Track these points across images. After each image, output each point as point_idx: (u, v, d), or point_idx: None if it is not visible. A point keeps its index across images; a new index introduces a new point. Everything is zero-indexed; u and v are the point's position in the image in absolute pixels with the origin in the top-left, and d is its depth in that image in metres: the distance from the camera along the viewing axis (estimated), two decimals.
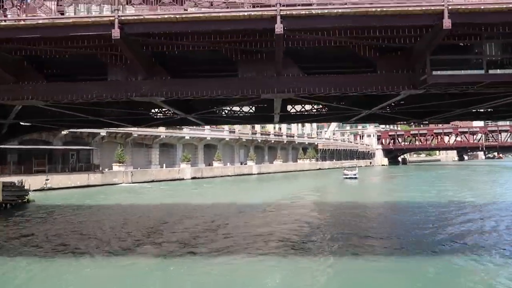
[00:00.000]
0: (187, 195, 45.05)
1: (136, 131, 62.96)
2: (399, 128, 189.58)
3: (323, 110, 25.04)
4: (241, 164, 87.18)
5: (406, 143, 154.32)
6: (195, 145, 76.93)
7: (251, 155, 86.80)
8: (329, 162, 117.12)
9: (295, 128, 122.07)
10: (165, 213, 29.71)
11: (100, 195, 44.10)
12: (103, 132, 57.80)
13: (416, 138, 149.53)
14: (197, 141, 76.62)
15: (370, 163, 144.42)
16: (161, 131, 67.12)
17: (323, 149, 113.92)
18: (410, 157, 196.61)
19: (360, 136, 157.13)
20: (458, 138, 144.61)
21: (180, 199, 39.71)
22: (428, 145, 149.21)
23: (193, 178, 69.95)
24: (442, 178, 74.31)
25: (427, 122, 27.98)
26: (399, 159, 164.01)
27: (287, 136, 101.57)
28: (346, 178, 66.26)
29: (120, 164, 59.49)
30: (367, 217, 27.34)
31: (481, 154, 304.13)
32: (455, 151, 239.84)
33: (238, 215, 28.08)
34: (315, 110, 24.01)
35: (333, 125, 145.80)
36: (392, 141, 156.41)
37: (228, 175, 77.66)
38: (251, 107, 21.75)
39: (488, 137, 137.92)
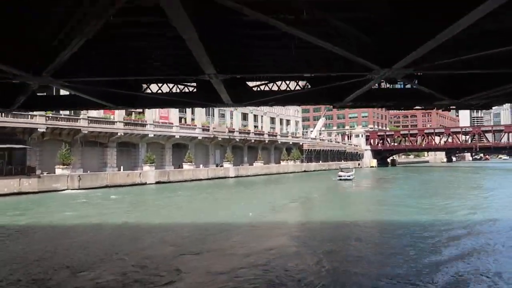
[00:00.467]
0: (138, 207, 35.28)
1: (87, 127, 52.87)
2: (387, 128, 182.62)
3: (307, 85, 16.74)
4: (217, 166, 77.59)
5: (395, 144, 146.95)
6: (162, 144, 67.03)
7: (228, 156, 77.23)
8: (315, 163, 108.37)
9: (278, 126, 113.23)
10: (81, 242, 19.93)
11: (20, 207, 34.03)
12: (42, 127, 47.59)
13: (406, 138, 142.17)
14: (164, 140, 66.73)
15: (359, 164, 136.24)
16: (119, 127, 57.10)
17: (308, 149, 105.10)
18: (399, 158, 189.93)
19: (348, 136, 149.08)
20: (450, 139, 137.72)
21: (123, 215, 29.91)
22: (418, 146, 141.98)
23: (158, 182, 60.06)
24: (437, 183, 66.15)
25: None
26: (388, 160, 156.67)
27: (269, 135, 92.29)
28: (341, 179, 63.28)
29: (65, 167, 49.25)
30: (369, 249, 18.12)
31: (468, 155, 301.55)
32: (443, 153, 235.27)
33: (192, 245, 18.61)
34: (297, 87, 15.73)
35: (320, 123, 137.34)
36: (381, 141, 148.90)
37: (201, 179, 67.98)
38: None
39: (481, 137, 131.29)
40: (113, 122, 56.57)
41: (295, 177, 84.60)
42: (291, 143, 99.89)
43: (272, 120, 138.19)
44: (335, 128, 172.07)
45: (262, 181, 70.12)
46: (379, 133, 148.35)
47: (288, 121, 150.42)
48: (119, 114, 56.92)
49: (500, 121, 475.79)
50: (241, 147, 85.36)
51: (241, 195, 47.06)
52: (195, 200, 41.56)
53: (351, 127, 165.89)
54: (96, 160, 56.67)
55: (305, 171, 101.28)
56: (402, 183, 62.63)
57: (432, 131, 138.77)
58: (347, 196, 47.17)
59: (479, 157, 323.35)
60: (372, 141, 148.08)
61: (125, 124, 57.70)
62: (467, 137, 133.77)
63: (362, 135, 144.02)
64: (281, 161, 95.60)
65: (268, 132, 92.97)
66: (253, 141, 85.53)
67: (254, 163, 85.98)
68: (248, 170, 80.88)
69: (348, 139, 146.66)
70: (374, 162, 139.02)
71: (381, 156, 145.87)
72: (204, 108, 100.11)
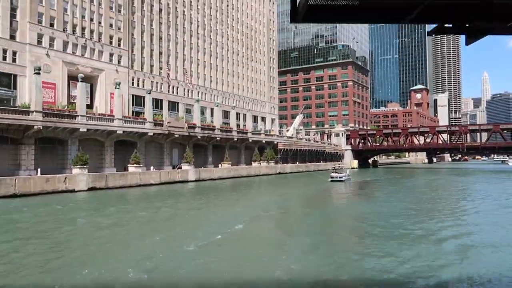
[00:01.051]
0: (28, 237, 23.04)
1: None
2: (368, 127, 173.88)
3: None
4: (174, 168, 65.36)
5: (377, 144, 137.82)
6: (101, 141, 54.36)
7: (187, 156, 65.06)
8: (291, 165, 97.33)
9: (251, 124, 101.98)
10: None
11: None
12: None
13: (389, 138, 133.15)
14: (104, 136, 54.10)
15: (339, 165, 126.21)
16: (37, 118, 44.27)
17: (284, 149, 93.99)
18: (380, 159, 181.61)
19: (327, 136, 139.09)
20: (434, 139, 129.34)
21: None
22: (402, 146, 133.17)
23: (92, 189, 47.54)
24: (423, 189, 56.21)
25: None
26: (370, 161, 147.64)
27: (238, 132, 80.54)
28: (333, 180, 62.39)
29: None
30: None
31: (447, 156, 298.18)
32: (424, 153, 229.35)
33: None
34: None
35: (297, 121, 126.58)
36: (362, 141, 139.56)
37: (151, 184, 55.70)
38: None
39: (459, 137, 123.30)
40: (27, 112, 43.70)
41: (269, 180, 73.39)
42: (264, 141, 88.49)
43: (244, 117, 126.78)
44: (314, 126, 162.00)
45: (226, 187, 58.48)
46: (360, 132, 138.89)
47: (263, 119, 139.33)
48: (35, 103, 44.06)
49: (476, 122, 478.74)
50: (204, 146, 73.41)
51: (198, 208, 35.18)
52: (135, 217, 29.46)
53: (330, 125, 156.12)
54: (6, 160, 43.70)
55: (280, 173, 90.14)
56: (392, 194, 52.17)
57: (416, 130, 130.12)
58: (328, 220, 35.95)
59: (458, 158, 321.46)
60: (353, 140, 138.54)
61: (45, 115, 44.87)
62: (454, 137, 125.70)
63: (342, 134, 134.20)
64: (252, 162, 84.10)
65: (238, 129, 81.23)
66: (218, 138, 73.57)
67: (220, 164, 74.17)
68: (212, 173, 68.94)
69: (327, 138, 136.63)
70: (356, 163, 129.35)
71: (363, 156, 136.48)
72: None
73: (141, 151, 58.13)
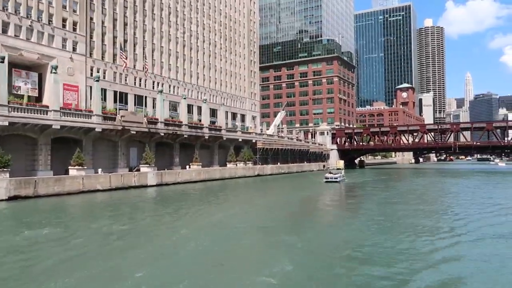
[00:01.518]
0: None
1: None
2: (355, 126, 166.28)
3: None
4: (132, 170, 55.52)
5: (364, 143, 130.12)
6: (33, 138, 44.20)
7: (147, 155, 55.22)
8: (272, 166, 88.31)
9: (230, 122, 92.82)
10: None
11: None
12: None
13: (377, 137, 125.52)
14: (36, 132, 43.96)
15: (324, 166, 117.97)
16: None
17: (263, 148, 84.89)
18: (366, 159, 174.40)
19: (311, 134, 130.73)
20: (421, 138, 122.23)
21: None
22: (390, 145, 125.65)
23: (13, 198, 37.51)
24: (417, 195, 47.99)
25: None
26: (356, 161, 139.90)
27: (210, 129, 71.00)
28: (328, 181, 61.11)
29: None
30: None
31: (433, 156, 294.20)
32: (411, 153, 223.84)
33: None
34: None
35: (279, 118, 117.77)
36: (348, 140, 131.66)
37: (98, 190, 45.81)
38: None
39: (458, 136, 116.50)
40: None
41: (245, 184, 64.18)
42: (240, 140, 79.19)
43: (226, 115, 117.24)
44: (298, 125, 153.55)
45: (192, 193, 48.99)
46: (346, 131, 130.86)
47: (243, 116, 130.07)
48: None
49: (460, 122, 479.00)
50: (170, 144, 63.69)
51: (144, 229, 25.45)
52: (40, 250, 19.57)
53: (315, 124, 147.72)
54: None
55: (258, 175, 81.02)
56: (384, 201, 43.62)
57: (405, 128, 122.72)
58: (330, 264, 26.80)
59: (443, 158, 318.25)
60: (338, 139, 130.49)
61: None
62: (444, 135, 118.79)
63: (327, 132, 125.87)
64: (227, 163, 74.73)
65: (210, 125, 71.68)
66: (186, 136, 63.85)
67: (188, 166, 64.59)
68: (177, 176, 59.24)
69: (311, 137, 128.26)
70: (342, 164, 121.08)
71: (349, 156, 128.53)
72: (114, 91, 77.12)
73: (88, 150, 48.23)
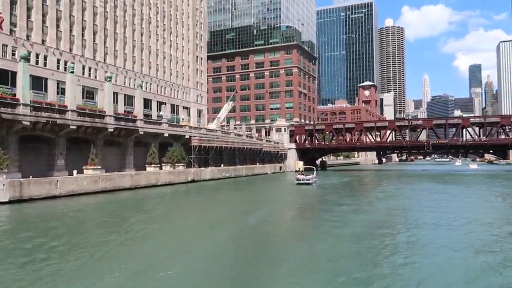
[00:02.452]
0: None
1: None
2: (314, 119, 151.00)
3: None
4: None
5: (326, 142, 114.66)
6: None
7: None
8: (212, 169, 69.81)
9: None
10: None
11: None
12: None
13: (341, 134, 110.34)
14: None
15: (280, 168, 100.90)
16: None
17: (201, 146, 66.21)
18: (328, 159, 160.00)
19: (266, 131, 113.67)
20: (384, 136, 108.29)
21: None
22: (355, 144, 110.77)
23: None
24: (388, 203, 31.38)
25: None
26: (317, 162, 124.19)
27: (116, 118, 51.08)
28: (300, 183, 56.47)
29: None
30: None
31: (394, 156, 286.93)
32: (374, 153, 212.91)
33: None
34: None
35: (224, 110, 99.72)
36: (309, 138, 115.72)
37: None
38: None
39: (435, 133, 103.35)
40: None
41: (172, 196, 45.45)
42: (167, 135, 60.06)
43: (159, 106, 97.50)
44: (253, 121, 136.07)
45: (75, 217, 29.81)
46: (306, 128, 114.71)
47: (187, 110, 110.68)
48: None
49: None
50: (48, 139, 43.57)
51: None
52: None
53: (272, 120, 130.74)
54: None
55: (193, 181, 62.32)
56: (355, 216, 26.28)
57: (373, 125, 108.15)
58: None
59: (404, 158, 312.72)
60: (298, 137, 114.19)
61: None
62: (415, 132, 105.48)
63: (285, 129, 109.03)
64: (146, 166, 55.41)
65: (117, 114, 51.91)
66: (74, 128, 43.78)
67: (77, 170, 44.77)
68: (53, 186, 39.34)
69: (266, 134, 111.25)
70: (301, 165, 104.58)
71: (309, 156, 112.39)
72: None
73: None
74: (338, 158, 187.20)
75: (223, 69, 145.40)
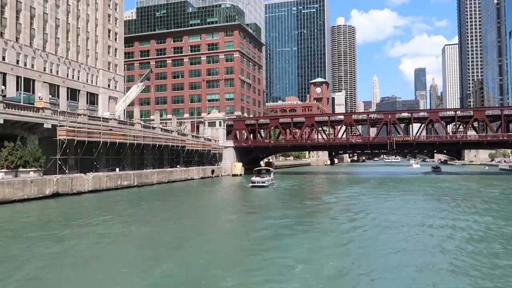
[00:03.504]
0: None
1: None
2: (261, 115, 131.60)
3: None
4: None
5: (271, 140, 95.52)
6: None
7: None
8: (96, 175, 47.16)
9: (66, 103, 50.31)
10: None
11: None
12: None
13: (289, 130, 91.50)
14: None
15: (213, 172, 79.87)
16: None
17: (74, 141, 43.44)
18: (276, 160, 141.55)
19: (196, 127, 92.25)
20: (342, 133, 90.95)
21: None
22: (305, 141, 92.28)
23: None
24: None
25: None
26: (262, 163, 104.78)
27: None
28: (255, 186, 53.59)
29: None
30: None
31: (346, 157, 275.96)
32: (326, 153, 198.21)
33: None
34: None
35: (133, 92, 77.38)
36: (251, 135, 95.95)
37: None
38: None
39: (396, 128, 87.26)
40: None
41: None
42: (1, 121, 36.85)
43: (55, 91, 73.35)
44: (187, 115, 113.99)
45: None
46: (248, 122, 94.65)
47: (94, 97, 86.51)
48: None
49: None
50: None
51: None
52: None
53: (209, 112, 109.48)
54: None
55: (57, 194, 39.63)
56: None
57: (326, 118, 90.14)
58: None
59: (356, 159, 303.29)
60: (237, 133, 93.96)
61: None
62: (373, 128, 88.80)
63: (220, 123, 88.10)
64: None
65: None
66: None
67: None
68: None
69: (196, 130, 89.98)
70: (239, 168, 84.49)
71: (252, 157, 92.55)
72: None
73: None
74: (288, 158, 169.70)
75: (152, 52, 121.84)
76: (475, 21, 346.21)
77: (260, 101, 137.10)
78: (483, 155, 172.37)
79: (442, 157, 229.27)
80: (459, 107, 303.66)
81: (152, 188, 55.33)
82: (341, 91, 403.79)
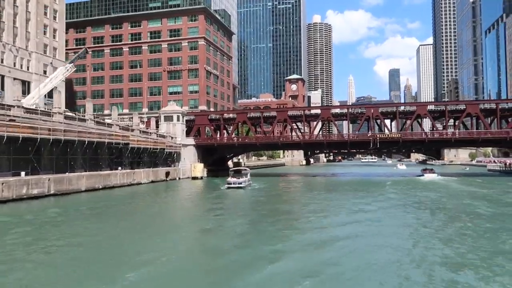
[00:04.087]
0: None
1: None
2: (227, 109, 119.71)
3: None
4: None
5: (239, 138, 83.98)
6: None
7: None
8: None
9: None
10: None
11: None
12: None
13: (260, 126, 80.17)
14: None
15: (167, 175, 67.43)
16: None
17: None
18: (247, 160, 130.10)
19: (143, 122, 79.65)
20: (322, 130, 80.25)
21: None
22: (277, 139, 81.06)
23: None
24: None
25: None
26: (230, 163, 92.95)
27: None
28: (230, 187, 51.70)
29: None
30: None
31: (322, 156, 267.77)
32: (301, 153, 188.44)
33: None
34: None
35: (57, 76, 64.11)
36: (216, 131, 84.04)
37: None
38: None
39: (379, 124, 77.26)
40: None
41: None
42: None
43: None
44: (146, 109, 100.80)
45: None
46: (211, 116, 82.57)
47: (25, 84, 71.88)
48: None
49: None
50: None
51: None
52: None
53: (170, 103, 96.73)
54: None
55: None
56: None
57: (300, 112, 79.18)
58: None
59: (332, 159, 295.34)
60: (200, 130, 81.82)
61: None
62: (350, 124, 78.56)
63: (178, 118, 75.65)
64: None
65: None
66: None
67: None
68: None
69: (149, 126, 77.21)
70: (200, 169, 72.50)
71: (216, 156, 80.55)
72: None
73: None
74: (261, 158, 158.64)
75: (106, 39, 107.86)
76: (450, 21, 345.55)
77: (230, 96, 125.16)
78: (463, 154, 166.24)
79: (420, 156, 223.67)
80: None
81: (77, 198, 42.62)
82: (317, 89, 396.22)
